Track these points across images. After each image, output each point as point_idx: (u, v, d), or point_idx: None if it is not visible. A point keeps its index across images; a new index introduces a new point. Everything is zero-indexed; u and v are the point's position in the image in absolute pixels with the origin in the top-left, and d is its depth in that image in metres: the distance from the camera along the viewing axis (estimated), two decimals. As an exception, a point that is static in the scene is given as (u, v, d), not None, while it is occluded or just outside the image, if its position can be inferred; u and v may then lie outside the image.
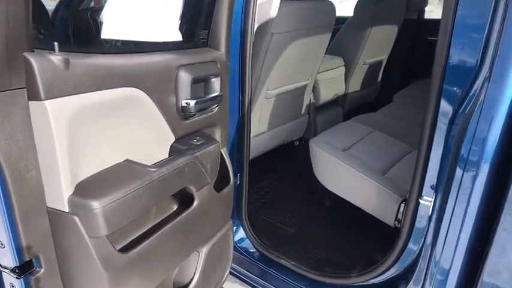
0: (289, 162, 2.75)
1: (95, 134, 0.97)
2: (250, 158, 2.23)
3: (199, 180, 1.23)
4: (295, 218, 2.15)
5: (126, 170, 1.02)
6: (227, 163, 1.49)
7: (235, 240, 1.98)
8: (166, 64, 1.14)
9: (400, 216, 1.60)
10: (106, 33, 1.02)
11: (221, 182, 1.49)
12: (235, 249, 1.99)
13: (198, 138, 1.27)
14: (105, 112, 0.98)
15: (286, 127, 2.49)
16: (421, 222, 1.32)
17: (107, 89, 0.97)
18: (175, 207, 1.30)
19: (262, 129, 2.26)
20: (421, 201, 1.26)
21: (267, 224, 2.10)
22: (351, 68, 3.03)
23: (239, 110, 1.79)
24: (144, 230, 1.15)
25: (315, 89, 2.70)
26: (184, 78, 1.18)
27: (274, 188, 2.44)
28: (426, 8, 3.54)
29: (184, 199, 1.26)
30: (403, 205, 1.57)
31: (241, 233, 1.97)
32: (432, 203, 1.23)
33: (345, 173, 1.79)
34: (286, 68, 2.15)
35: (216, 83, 1.34)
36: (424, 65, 3.57)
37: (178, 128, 1.21)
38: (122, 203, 0.94)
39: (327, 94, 2.82)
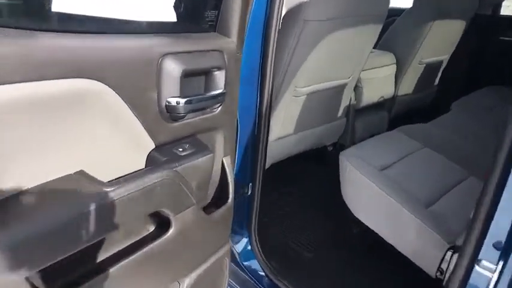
0: (318, 170, 2.42)
1: (29, 137, 0.72)
2: (271, 163, 1.94)
3: (178, 202, 0.96)
4: (314, 240, 1.84)
5: (67, 187, 0.77)
6: (228, 176, 1.20)
7: (240, 257, 1.71)
8: (145, 51, 0.86)
9: (444, 265, 1.24)
10: (57, 4, 0.75)
11: (219, 199, 1.21)
12: (239, 267, 1.72)
13: (186, 146, 1.00)
14: (44, 110, 0.72)
15: (318, 131, 2.15)
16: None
17: (48, 79, 0.71)
18: (151, 228, 1.04)
19: (287, 131, 1.95)
20: (477, 267, 0.89)
21: (281, 243, 1.81)
22: (403, 67, 2.61)
23: (256, 109, 1.49)
24: (101, 257, 0.90)
25: (357, 89, 2.32)
26: (172, 70, 0.90)
27: (296, 199, 2.12)
28: (504, 3, 3.00)
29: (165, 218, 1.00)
30: (449, 253, 1.22)
31: (248, 251, 1.69)
32: (496, 273, 0.86)
33: (378, 200, 1.45)
34: (322, 64, 1.81)
35: (219, 77, 1.05)
36: (493, 70, 3.07)
37: (160, 133, 0.94)
38: (44, 235, 0.69)
39: (371, 95, 2.44)
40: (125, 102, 0.83)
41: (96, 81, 0.77)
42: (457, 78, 3.12)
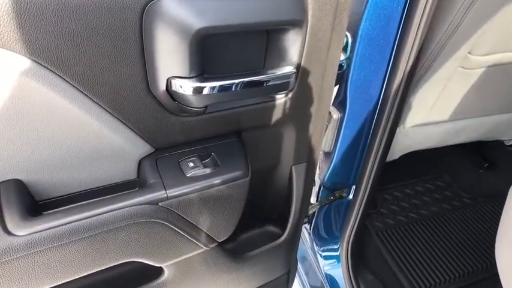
0: (484, 172, 1.70)
1: None
2: (402, 153, 1.38)
3: (168, 250, 0.61)
4: (435, 277, 1.28)
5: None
6: (293, 191, 0.78)
7: (325, 274, 1.33)
8: None
9: None
10: None
11: (283, 220, 0.82)
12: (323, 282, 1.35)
13: (207, 157, 0.61)
14: None
15: (493, 120, 1.43)
16: None
17: None
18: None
19: (439, 116, 1.32)
20: None
21: (383, 269, 1.32)
22: None
23: (381, 89, 0.96)
24: None
25: None
26: (170, 26, 0.49)
27: (432, 212, 1.52)
28: None
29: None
30: None
31: (334, 267, 1.29)
32: None
33: None
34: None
35: (289, 43, 0.60)
36: None
37: (161, 130, 0.57)
38: None
39: None
40: (71, 84, 0.47)
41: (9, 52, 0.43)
42: None
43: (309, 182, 0.80)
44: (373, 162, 1.06)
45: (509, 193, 0.97)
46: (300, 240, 1.44)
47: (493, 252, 0.94)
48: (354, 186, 1.14)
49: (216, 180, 0.58)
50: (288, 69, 0.60)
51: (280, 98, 0.64)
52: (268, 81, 0.59)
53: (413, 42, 0.86)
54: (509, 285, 0.93)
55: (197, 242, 0.61)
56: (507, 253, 0.98)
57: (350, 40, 0.88)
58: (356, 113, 1.01)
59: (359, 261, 1.26)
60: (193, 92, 0.52)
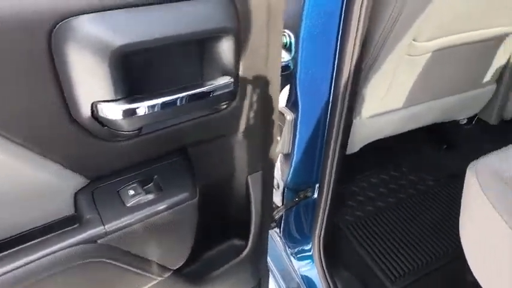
0: (444, 153, 1.73)
1: None
2: (362, 145, 1.39)
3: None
4: (408, 265, 1.29)
5: None
6: (252, 204, 0.75)
7: (301, 275, 1.31)
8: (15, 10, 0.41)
9: None
10: None
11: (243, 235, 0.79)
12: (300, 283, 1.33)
13: (150, 181, 0.57)
14: None
15: (447, 102, 1.46)
16: None
17: None
18: None
19: (393, 105, 1.33)
20: None
21: (357, 263, 1.32)
22: None
23: (330, 84, 0.95)
24: None
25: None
26: (85, 46, 0.45)
27: (399, 199, 1.54)
28: None
29: None
30: None
31: (309, 267, 1.27)
32: None
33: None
34: (460, 4, 1.09)
35: (225, 51, 0.57)
36: None
37: (92, 161, 0.53)
38: None
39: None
40: None
41: None
42: None
43: (267, 189, 0.78)
44: (332, 157, 1.05)
45: (467, 172, 0.98)
46: (273, 245, 1.42)
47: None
48: (317, 185, 1.13)
49: (161, 207, 0.54)
50: (227, 78, 0.57)
51: (223, 109, 0.61)
52: (207, 92, 0.56)
53: (356, 35, 0.86)
54: (474, 261, 0.94)
55: (148, 274, 0.56)
56: (470, 231, 0.99)
57: (293, 40, 0.86)
58: (309, 112, 0.99)
59: (333, 259, 1.25)
60: (123, 116, 0.48)
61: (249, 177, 0.73)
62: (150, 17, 0.47)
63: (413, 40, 1.14)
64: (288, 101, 1.01)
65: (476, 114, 1.70)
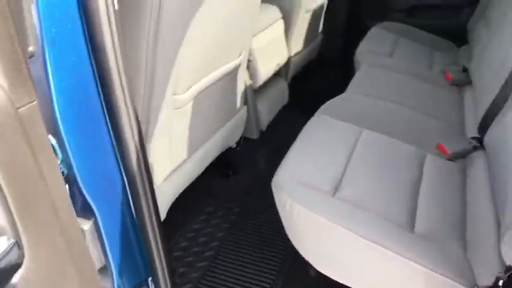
0: (230, 182, 1.84)
1: None
2: (167, 209, 1.31)
3: None
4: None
5: None
6: None
7: None
8: None
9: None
10: None
11: None
12: None
13: None
14: None
15: (220, 136, 1.56)
16: None
17: None
18: None
19: (179, 160, 1.31)
20: None
21: None
22: (291, 18, 2.10)
23: (120, 173, 0.83)
24: None
25: (250, 64, 1.75)
26: None
27: (220, 239, 1.53)
28: None
29: None
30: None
31: None
32: None
33: (349, 246, 0.97)
34: (201, 50, 1.18)
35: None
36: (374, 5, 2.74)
37: None
38: None
39: (267, 67, 1.90)
40: None
41: None
42: (340, 21, 2.74)
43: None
44: (155, 240, 0.93)
45: (273, 188, 1.06)
46: None
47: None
48: (149, 278, 0.98)
49: None
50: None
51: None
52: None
53: (123, 100, 0.76)
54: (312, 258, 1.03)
55: None
56: (300, 235, 1.08)
57: (56, 144, 0.70)
58: (108, 208, 0.84)
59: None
60: None
61: None
62: None
63: (174, 95, 1.15)
64: (75, 208, 0.82)
65: (241, 136, 1.88)
